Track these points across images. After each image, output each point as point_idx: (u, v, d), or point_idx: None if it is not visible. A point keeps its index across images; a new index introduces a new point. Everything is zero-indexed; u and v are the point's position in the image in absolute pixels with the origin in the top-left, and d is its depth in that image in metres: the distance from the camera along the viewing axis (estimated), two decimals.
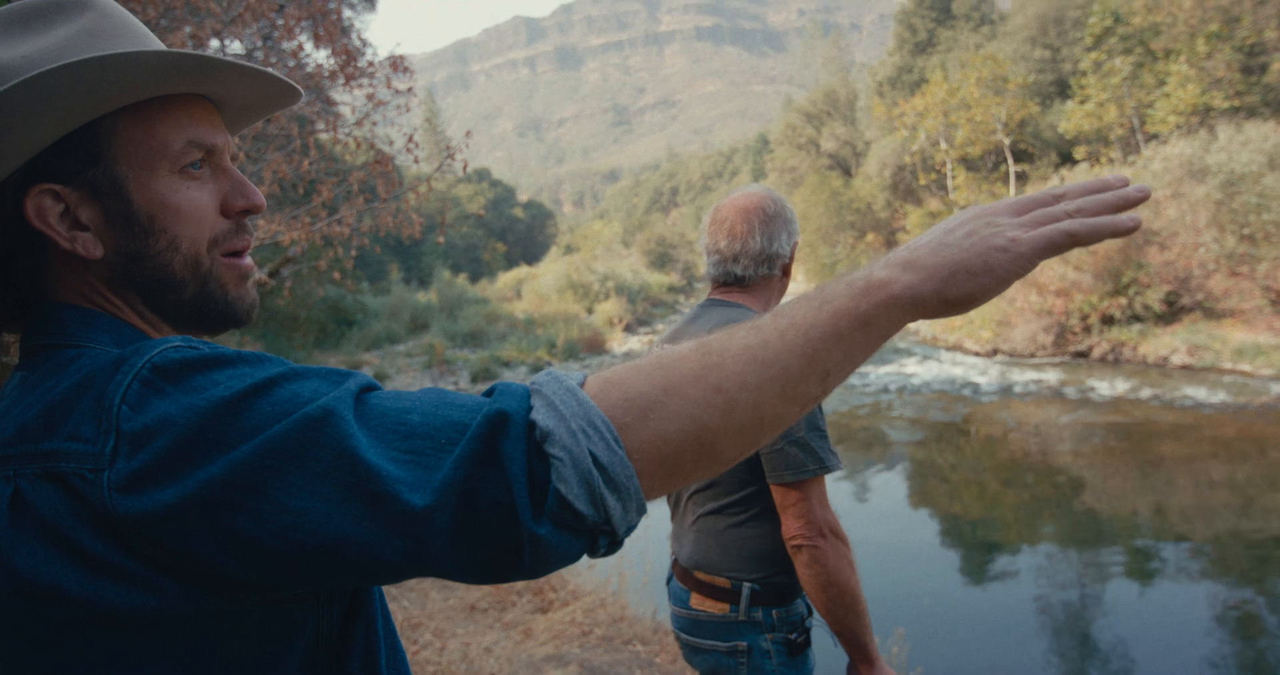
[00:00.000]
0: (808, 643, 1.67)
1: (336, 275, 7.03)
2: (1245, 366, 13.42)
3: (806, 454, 1.54)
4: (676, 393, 0.57)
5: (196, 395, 0.55)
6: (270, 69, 0.73)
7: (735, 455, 0.59)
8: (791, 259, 1.77)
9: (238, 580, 0.56)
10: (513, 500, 0.53)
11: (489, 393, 0.59)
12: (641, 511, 0.58)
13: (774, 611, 1.63)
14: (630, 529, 0.58)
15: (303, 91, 0.76)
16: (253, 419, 0.54)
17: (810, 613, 1.69)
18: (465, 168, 4.93)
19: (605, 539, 0.56)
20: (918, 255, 0.63)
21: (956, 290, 0.61)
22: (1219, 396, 12.07)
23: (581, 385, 0.59)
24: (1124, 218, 0.62)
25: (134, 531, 0.54)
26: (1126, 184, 0.65)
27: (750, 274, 1.72)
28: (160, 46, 0.70)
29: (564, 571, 4.54)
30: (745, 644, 1.64)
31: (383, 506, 0.53)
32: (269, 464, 0.53)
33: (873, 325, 0.61)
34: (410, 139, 5.16)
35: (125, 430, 0.54)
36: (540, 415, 0.55)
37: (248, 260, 0.74)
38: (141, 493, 0.53)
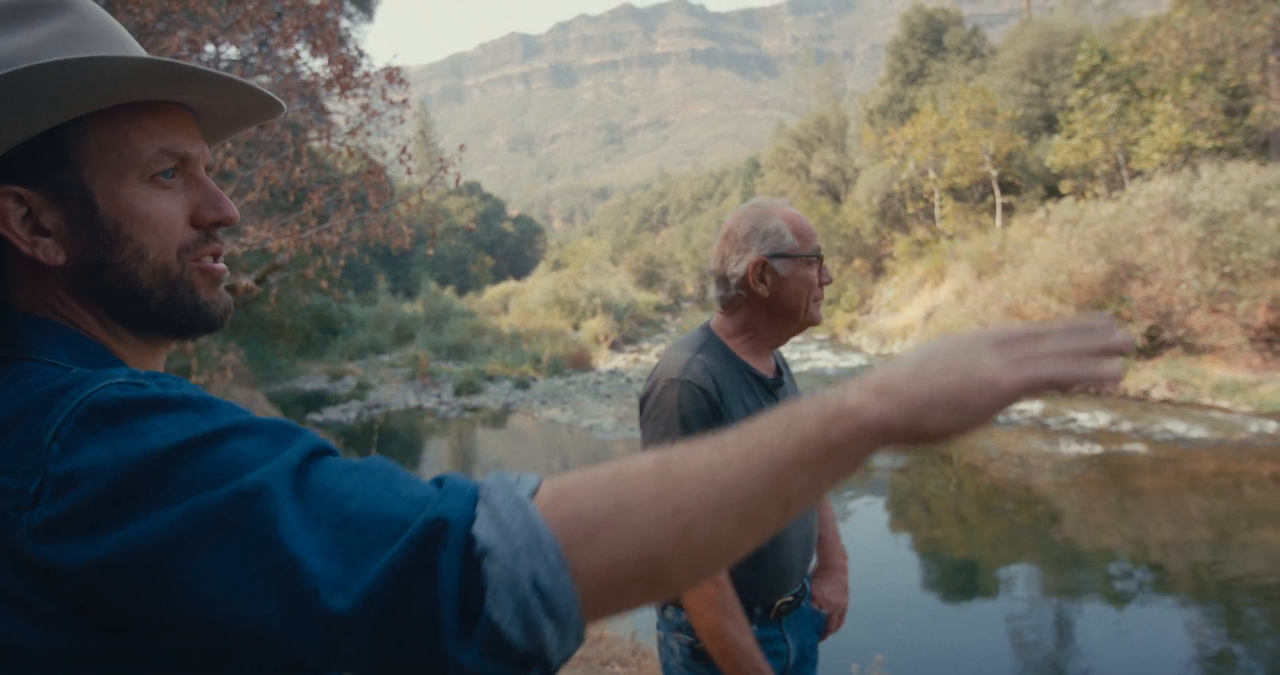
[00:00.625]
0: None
1: (324, 283, 6.99)
2: (1224, 402, 13.56)
3: None
4: (631, 511, 0.53)
5: (132, 441, 0.52)
6: (253, 82, 0.72)
7: (685, 583, 0.56)
8: (762, 277, 1.69)
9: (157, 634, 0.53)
10: (439, 620, 0.50)
11: (438, 482, 0.56)
12: (580, 641, 0.54)
13: (682, 613, 1.66)
14: (566, 659, 0.54)
15: (284, 106, 0.76)
16: (184, 477, 0.51)
17: None
18: (458, 180, 4.92)
19: (538, 670, 0.52)
20: (893, 382, 0.59)
21: (931, 424, 0.58)
22: (1198, 431, 12.18)
23: (534, 494, 0.55)
24: (1106, 367, 0.60)
25: (50, 576, 0.52)
26: (1111, 326, 0.63)
27: (721, 295, 1.77)
28: (141, 52, 0.69)
29: None
30: (662, 634, 1.76)
31: (301, 602, 0.49)
32: (189, 536, 0.50)
33: (840, 454, 0.57)
34: (404, 150, 5.15)
35: (52, 472, 0.52)
36: (483, 528, 0.51)
37: (219, 264, 0.73)
38: (57, 543, 0.51)
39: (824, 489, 0.58)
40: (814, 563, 1.94)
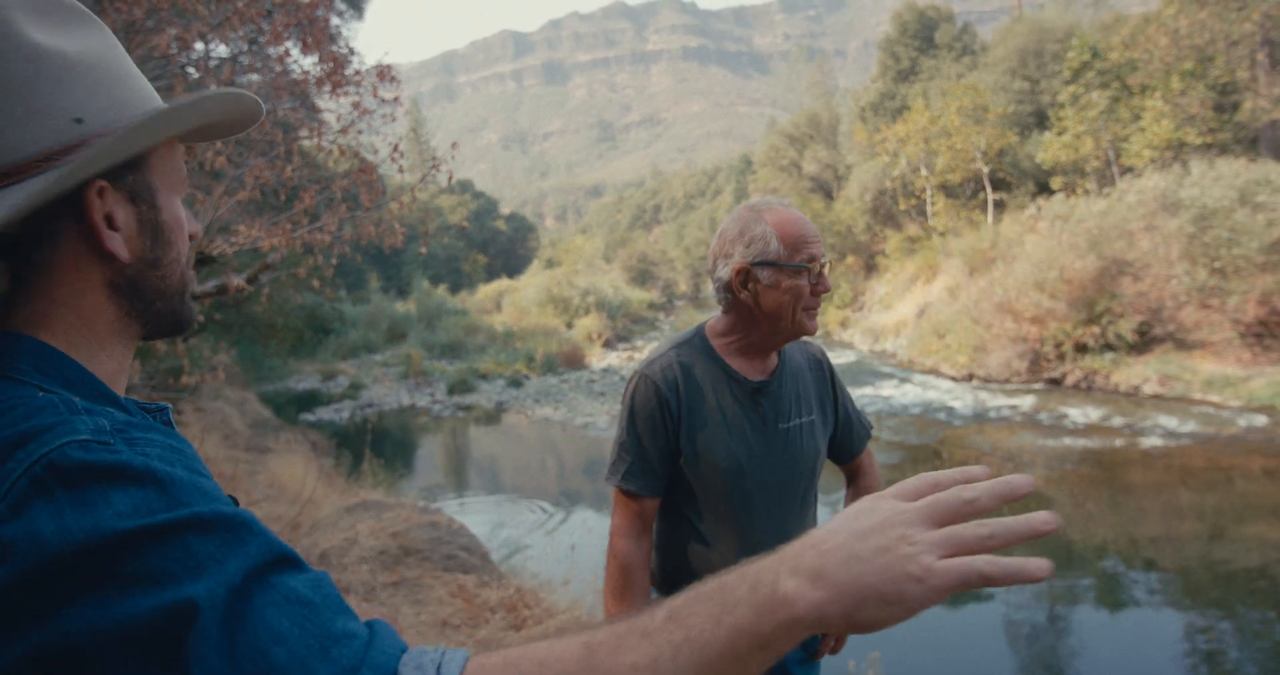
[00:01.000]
0: None
1: (316, 283, 6.96)
2: (1215, 397, 13.63)
3: (611, 464, 1.71)
4: None
5: (82, 515, 0.50)
6: (242, 82, 0.77)
7: None
8: (745, 284, 1.66)
9: None
10: None
11: (367, 640, 0.54)
12: None
13: (656, 597, 1.73)
14: None
15: (263, 110, 0.80)
16: (127, 569, 0.49)
17: None
18: (451, 179, 4.90)
19: None
20: (827, 566, 0.57)
21: (865, 616, 0.57)
22: (1189, 426, 12.24)
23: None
24: (1034, 566, 0.60)
25: None
26: (1032, 487, 0.63)
27: (716, 297, 1.76)
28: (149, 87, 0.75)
29: (537, 588, 4.49)
30: None
31: None
32: (113, 641, 0.48)
33: (772, 645, 0.56)
34: (395, 148, 5.13)
35: (5, 535, 0.50)
36: None
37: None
38: None
39: None
40: None
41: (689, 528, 1.70)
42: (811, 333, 1.70)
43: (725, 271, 1.68)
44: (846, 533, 0.60)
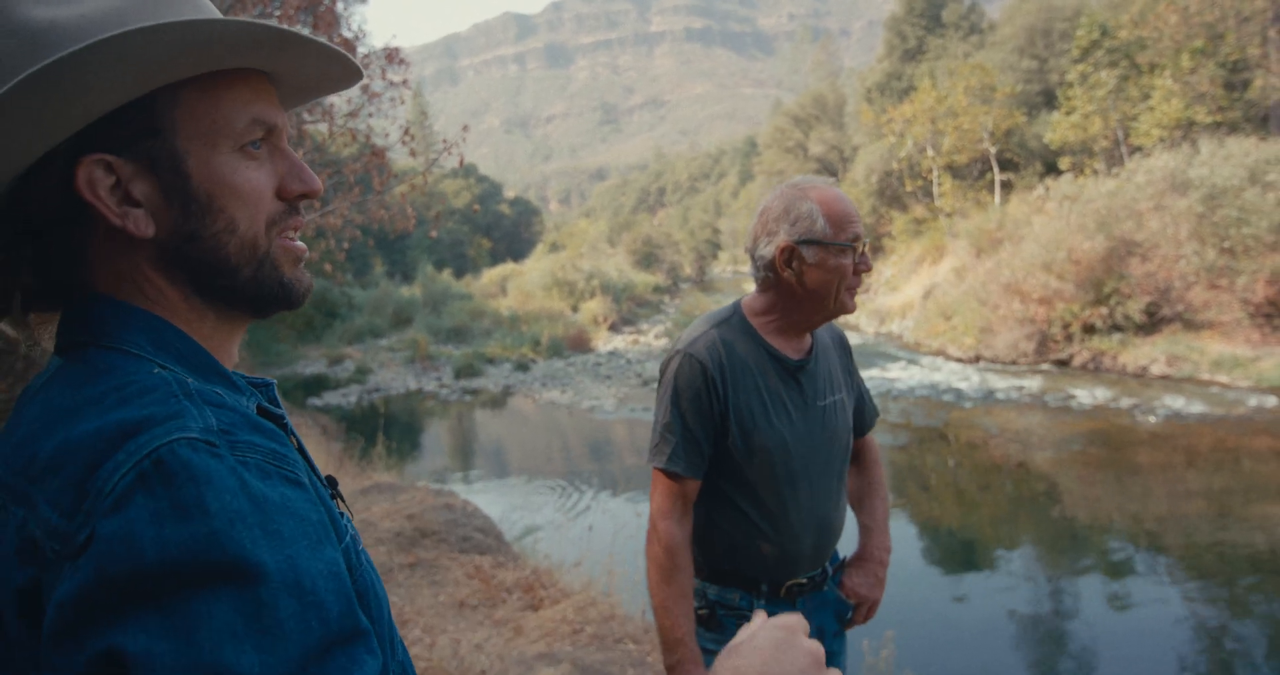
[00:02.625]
0: (714, 622, 1.73)
1: (328, 267, 6.96)
2: (1223, 378, 13.61)
3: (653, 445, 1.69)
4: None
5: (179, 525, 0.50)
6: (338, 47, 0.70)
7: None
8: (789, 262, 1.65)
9: None
10: None
11: None
12: None
13: (698, 583, 1.74)
14: None
15: (363, 73, 0.73)
16: (197, 609, 0.48)
17: (721, 599, 1.74)
18: (461, 162, 4.90)
19: None
20: None
21: None
22: (1197, 407, 12.23)
23: None
24: None
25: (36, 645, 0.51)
26: None
27: (754, 273, 1.74)
28: (217, 13, 0.67)
29: (552, 569, 4.53)
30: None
31: None
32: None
33: None
34: (406, 131, 5.12)
35: (100, 530, 0.50)
36: None
37: (300, 242, 0.71)
38: (79, 623, 0.49)
39: None
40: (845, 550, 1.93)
41: (734, 509, 1.70)
42: (851, 311, 1.71)
43: (769, 249, 1.66)
44: (757, 659, 0.69)
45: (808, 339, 1.78)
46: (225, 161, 0.64)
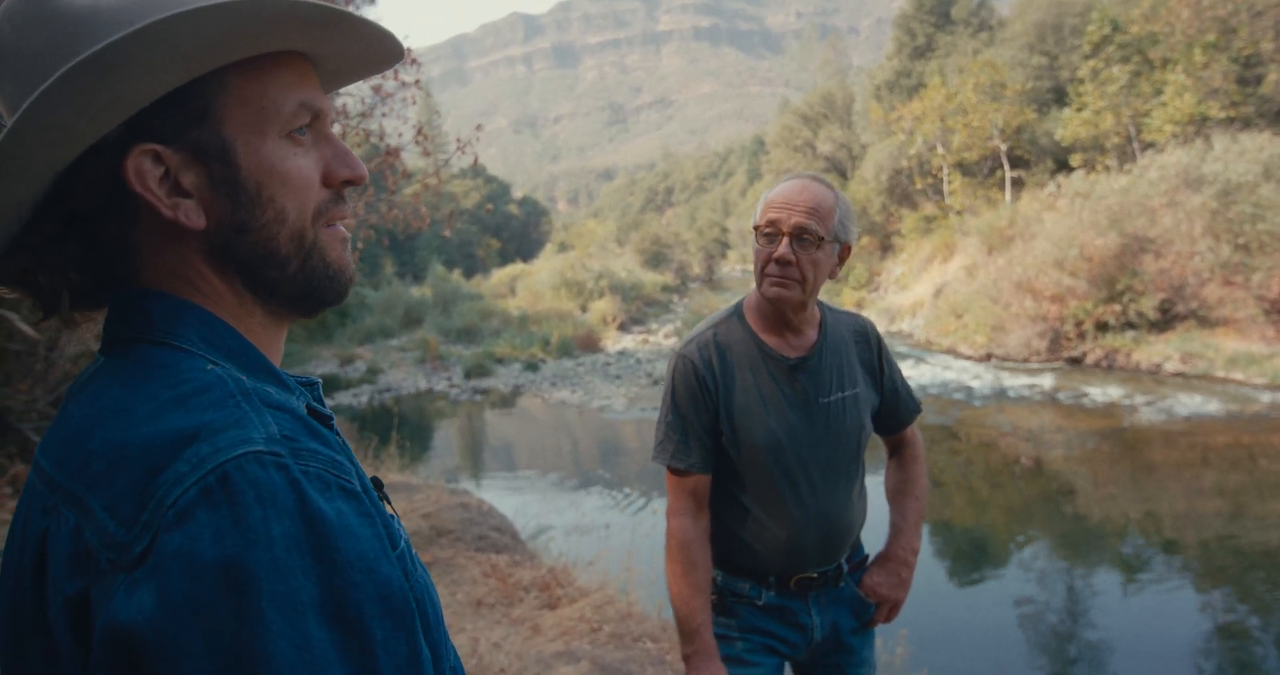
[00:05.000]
0: (725, 608, 1.75)
1: None
2: (1238, 375, 13.51)
3: (657, 443, 1.72)
4: None
5: (236, 540, 0.49)
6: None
7: None
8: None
9: None
10: None
11: None
12: None
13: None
14: None
15: (403, 52, 0.70)
16: (243, 638, 0.48)
17: (729, 586, 1.76)
18: (475, 162, 4.91)
19: None
20: None
21: None
22: (1211, 405, 12.15)
23: None
24: None
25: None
26: None
27: None
28: None
29: (570, 569, 4.54)
30: None
31: None
32: None
33: None
34: (420, 131, 5.13)
35: (162, 542, 0.49)
36: None
37: (342, 227, 0.69)
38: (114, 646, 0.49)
39: None
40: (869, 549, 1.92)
41: (738, 506, 1.72)
42: (772, 299, 1.67)
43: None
44: None
45: (810, 334, 1.76)
46: (274, 149, 0.62)
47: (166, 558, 0.48)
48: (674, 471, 1.68)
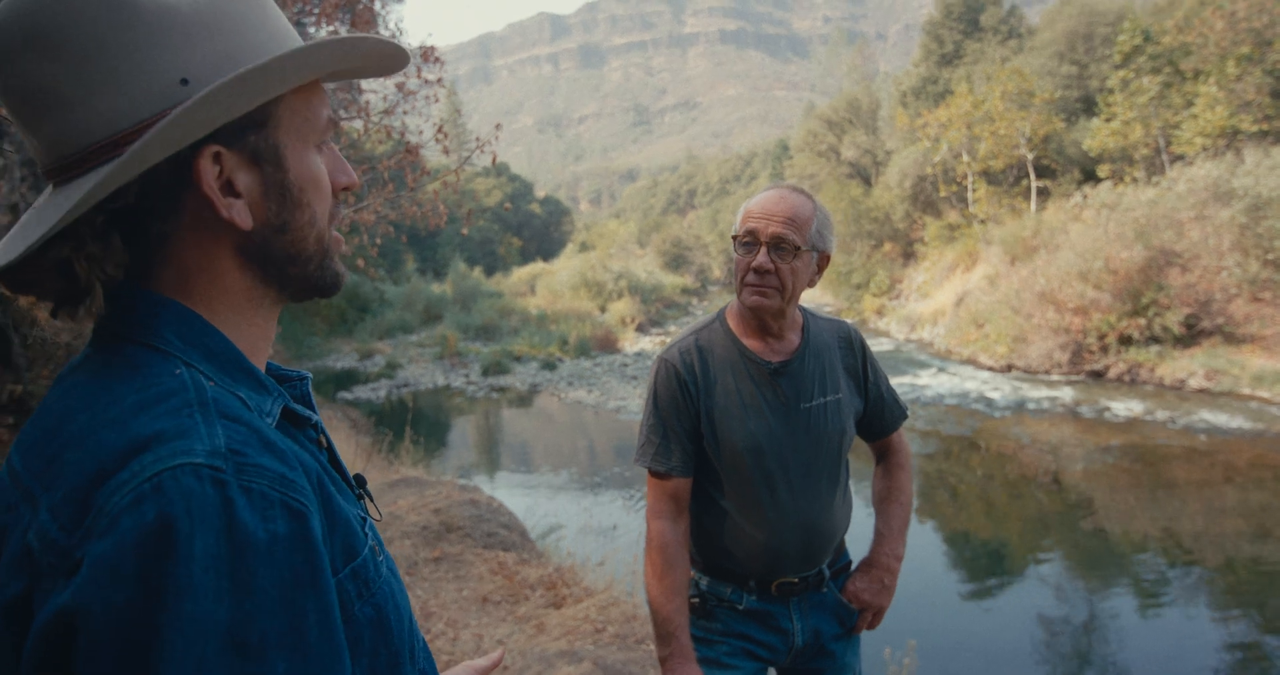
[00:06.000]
0: (705, 611, 1.76)
1: (361, 262, 7.05)
2: (1264, 393, 13.29)
3: (639, 446, 1.74)
4: None
5: (160, 562, 0.49)
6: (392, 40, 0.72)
7: None
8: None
9: None
10: None
11: None
12: None
13: (694, 573, 1.79)
14: None
15: (409, 57, 0.75)
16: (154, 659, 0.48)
17: (713, 590, 1.77)
18: (494, 160, 4.93)
19: None
20: None
21: None
22: (1236, 422, 11.96)
23: None
24: None
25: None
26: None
27: None
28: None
29: (577, 569, 4.54)
30: None
31: None
32: None
33: None
34: (440, 129, 5.16)
35: (90, 551, 0.49)
36: None
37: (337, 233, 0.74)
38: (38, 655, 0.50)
39: None
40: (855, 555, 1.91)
41: (718, 509, 1.73)
42: (752, 308, 1.69)
43: None
44: None
45: (792, 339, 1.77)
46: (312, 158, 0.67)
47: (91, 563, 0.49)
48: (655, 474, 1.71)
